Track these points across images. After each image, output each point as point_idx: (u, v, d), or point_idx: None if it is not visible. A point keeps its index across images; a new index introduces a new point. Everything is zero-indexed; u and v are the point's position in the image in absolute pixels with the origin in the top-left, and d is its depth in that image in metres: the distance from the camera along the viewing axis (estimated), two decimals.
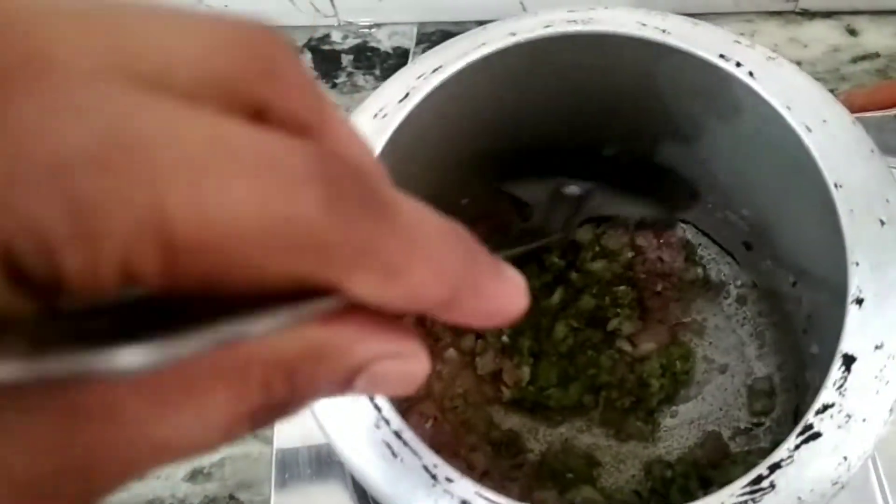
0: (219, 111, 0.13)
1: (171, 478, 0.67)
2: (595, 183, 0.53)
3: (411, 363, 0.16)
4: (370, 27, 0.81)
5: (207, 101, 0.14)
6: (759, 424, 0.53)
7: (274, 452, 0.53)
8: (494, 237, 0.48)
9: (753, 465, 0.38)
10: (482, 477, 0.50)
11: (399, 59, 0.79)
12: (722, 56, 0.42)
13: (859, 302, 0.37)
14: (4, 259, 0.12)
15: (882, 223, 0.38)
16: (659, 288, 0.56)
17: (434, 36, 0.79)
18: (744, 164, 0.47)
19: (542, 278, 0.55)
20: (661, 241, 0.57)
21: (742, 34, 0.74)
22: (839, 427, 0.35)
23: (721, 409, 0.54)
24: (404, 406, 0.51)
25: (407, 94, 0.44)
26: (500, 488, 0.36)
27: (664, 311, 0.56)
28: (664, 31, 0.43)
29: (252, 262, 0.13)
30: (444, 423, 0.52)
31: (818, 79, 0.71)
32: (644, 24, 0.43)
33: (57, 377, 0.12)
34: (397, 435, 0.36)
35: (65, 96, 0.12)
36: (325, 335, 0.15)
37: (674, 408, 0.54)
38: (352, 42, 0.80)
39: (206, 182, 0.12)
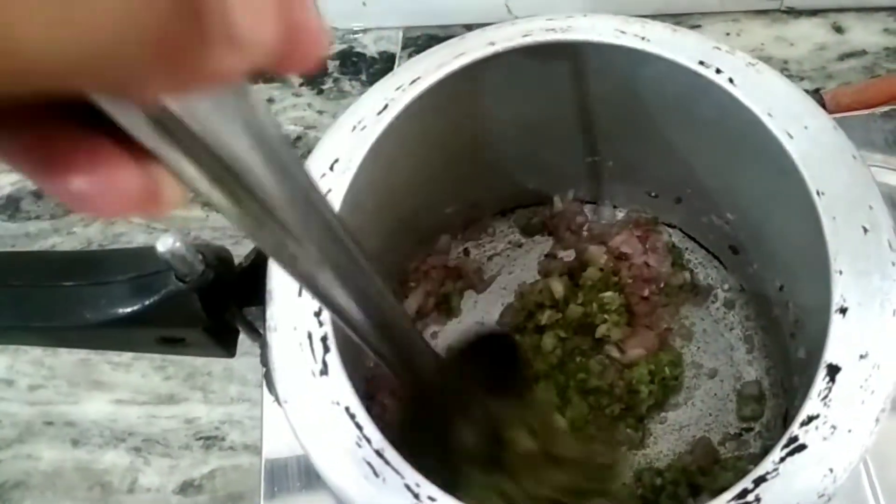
0: None
1: (162, 490, 0.67)
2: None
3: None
4: (356, 32, 0.80)
5: None
6: (748, 430, 0.52)
7: (263, 464, 0.53)
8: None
9: (743, 470, 0.37)
10: None
11: (385, 63, 0.79)
12: (702, 63, 0.42)
13: (843, 311, 0.36)
14: None
15: (865, 230, 0.38)
16: (646, 293, 0.55)
17: (420, 40, 0.79)
18: (728, 169, 0.47)
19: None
20: (647, 245, 0.57)
21: (728, 33, 0.75)
22: (824, 439, 0.35)
23: (711, 415, 0.54)
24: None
25: (386, 106, 0.43)
26: None
27: (652, 316, 0.56)
28: (643, 38, 0.43)
29: None
30: None
31: (804, 77, 0.72)
32: (623, 32, 0.43)
33: None
34: (379, 454, 0.36)
35: None
36: None
37: (663, 414, 0.54)
38: (338, 47, 0.80)
39: None
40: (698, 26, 0.74)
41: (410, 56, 0.77)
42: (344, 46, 0.80)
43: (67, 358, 0.72)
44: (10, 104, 0.15)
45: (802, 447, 0.34)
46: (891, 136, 0.59)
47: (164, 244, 0.37)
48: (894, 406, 0.35)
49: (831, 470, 0.34)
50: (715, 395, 0.54)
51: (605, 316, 0.55)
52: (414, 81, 0.44)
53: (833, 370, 0.36)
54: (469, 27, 0.46)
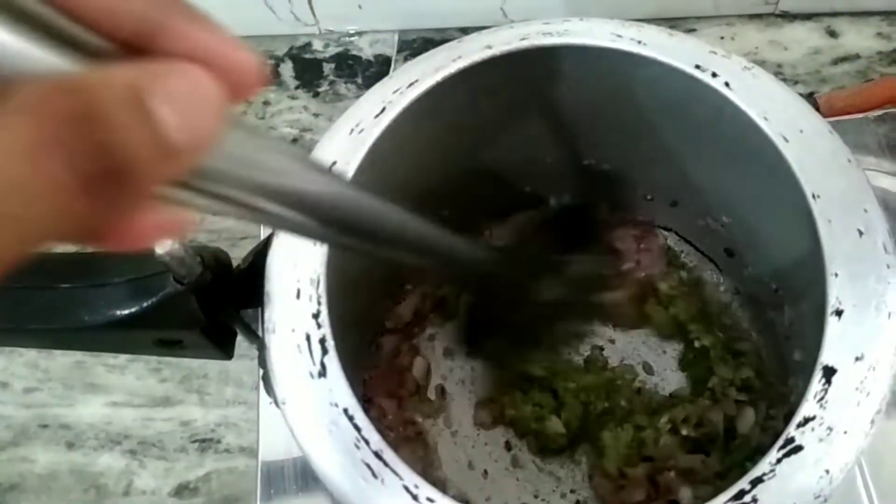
0: None
1: (157, 493, 0.67)
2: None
3: (190, 78, 0.17)
4: (351, 35, 0.80)
5: None
6: None
7: (259, 466, 0.53)
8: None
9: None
10: None
11: (381, 66, 0.79)
12: (698, 66, 0.42)
13: (839, 313, 0.37)
14: None
15: (860, 233, 0.38)
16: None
17: (415, 43, 0.79)
18: (723, 172, 0.47)
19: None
20: (642, 246, 0.57)
21: (722, 37, 0.75)
22: (820, 440, 0.35)
23: None
24: None
25: (383, 109, 0.44)
26: None
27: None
28: (639, 42, 0.43)
29: None
30: None
31: (799, 81, 0.72)
32: (619, 36, 0.43)
33: None
34: (377, 455, 0.36)
35: None
36: (98, 68, 0.16)
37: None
38: (333, 50, 0.80)
39: None
40: (693, 30, 0.75)
41: (406, 59, 0.77)
42: (340, 49, 0.80)
43: (62, 360, 0.72)
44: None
45: (799, 448, 0.35)
46: (884, 139, 0.60)
47: (163, 246, 0.37)
48: (889, 408, 0.36)
49: (827, 471, 0.34)
50: None
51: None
52: (411, 84, 0.44)
53: (829, 372, 0.36)
54: (465, 31, 0.46)
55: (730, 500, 0.34)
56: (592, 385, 0.52)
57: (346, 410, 0.37)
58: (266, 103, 0.77)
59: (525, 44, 0.44)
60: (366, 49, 0.80)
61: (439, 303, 0.58)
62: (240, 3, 0.76)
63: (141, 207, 0.17)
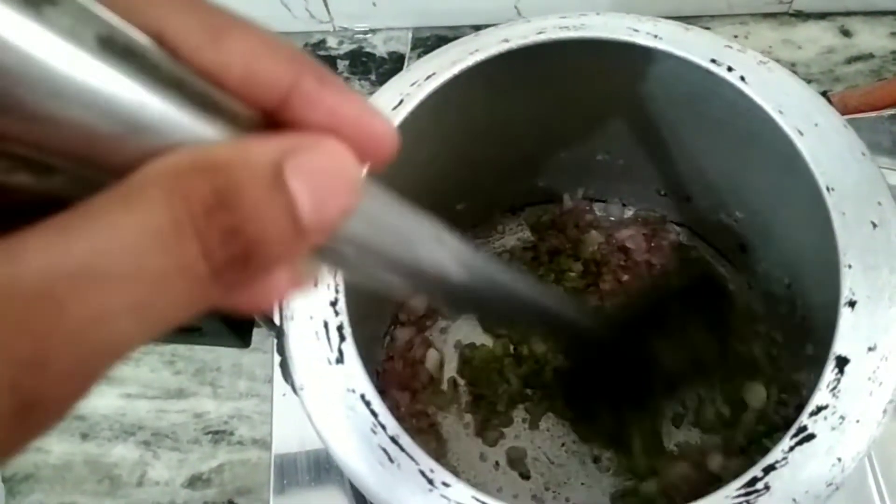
0: None
1: (171, 484, 0.67)
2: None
3: (329, 154, 0.16)
4: (365, 33, 0.81)
5: None
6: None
7: (272, 458, 0.53)
8: None
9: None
10: None
11: (394, 64, 0.79)
12: (713, 61, 0.42)
13: (852, 304, 0.37)
14: None
15: (874, 226, 0.39)
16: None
17: (429, 41, 0.79)
18: (737, 167, 0.48)
19: None
20: (653, 244, 0.57)
21: (736, 36, 0.75)
22: (833, 429, 0.35)
23: None
24: None
25: (401, 101, 0.44)
26: None
27: None
28: (656, 36, 0.43)
29: None
30: None
31: (812, 80, 0.72)
32: (636, 30, 0.44)
33: None
34: (394, 440, 0.36)
35: None
36: (236, 142, 0.16)
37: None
38: (347, 47, 0.80)
39: None
40: (707, 29, 0.75)
41: (420, 56, 0.77)
42: (354, 47, 0.80)
43: None
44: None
45: (811, 437, 0.35)
46: None
47: None
48: None
49: (839, 459, 0.35)
50: None
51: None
52: (429, 77, 0.44)
53: (842, 362, 0.36)
54: (478, 28, 0.46)
55: (742, 486, 0.34)
56: None
57: (363, 396, 0.37)
58: None
59: (542, 37, 0.44)
60: (380, 46, 0.80)
61: None
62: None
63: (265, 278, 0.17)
